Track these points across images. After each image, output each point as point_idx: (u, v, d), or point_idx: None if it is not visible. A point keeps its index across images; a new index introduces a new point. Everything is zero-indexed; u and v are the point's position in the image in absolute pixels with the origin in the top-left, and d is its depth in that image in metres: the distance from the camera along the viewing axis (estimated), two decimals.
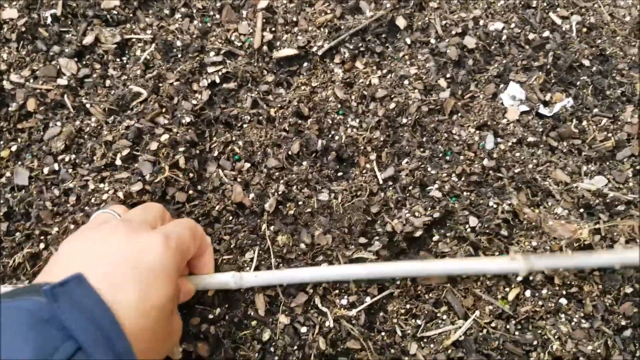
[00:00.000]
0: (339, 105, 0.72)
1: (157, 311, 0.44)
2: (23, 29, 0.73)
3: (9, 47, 0.73)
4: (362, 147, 0.69)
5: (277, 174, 0.67)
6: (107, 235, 0.47)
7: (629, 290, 0.63)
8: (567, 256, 0.61)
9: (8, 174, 0.65)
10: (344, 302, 0.60)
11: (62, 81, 0.70)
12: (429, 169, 0.69)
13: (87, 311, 0.39)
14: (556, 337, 0.60)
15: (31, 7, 0.74)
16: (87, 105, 0.69)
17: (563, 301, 0.62)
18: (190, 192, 0.64)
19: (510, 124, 0.73)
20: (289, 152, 0.68)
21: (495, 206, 0.66)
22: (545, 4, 0.82)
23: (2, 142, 0.67)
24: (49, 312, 0.38)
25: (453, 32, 0.78)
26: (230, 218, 0.64)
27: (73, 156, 0.66)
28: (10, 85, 0.70)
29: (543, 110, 0.74)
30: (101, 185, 0.63)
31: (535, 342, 0.60)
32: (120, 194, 0.62)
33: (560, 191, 0.69)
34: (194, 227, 0.54)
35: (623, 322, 0.62)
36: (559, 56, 0.78)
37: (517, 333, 0.60)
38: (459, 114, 0.73)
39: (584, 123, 0.74)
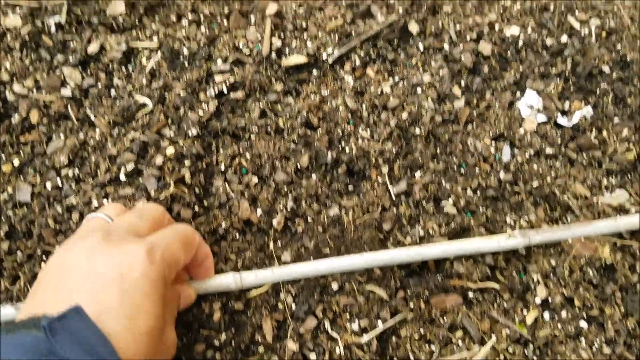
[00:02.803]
0: (350, 115, 0.70)
1: (147, 336, 0.43)
2: (27, 37, 0.71)
3: (12, 56, 0.71)
4: (373, 160, 0.67)
5: (285, 188, 0.65)
6: (90, 253, 0.46)
7: None
8: (564, 227, 0.61)
9: (10, 189, 0.63)
10: (355, 326, 0.58)
11: (66, 91, 0.69)
12: (443, 182, 0.66)
13: (86, 344, 0.39)
14: None
15: (35, 14, 0.73)
16: (92, 117, 0.68)
17: (583, 324, 0.59)
18: (196, 208, 0.62)
19: (528, 134, 0.70)
20: (298, 165, 0.66)
21: (512, 223, 0.64)
22: (562, 8, 0.79)
23: (4, 156, 0.65)
24: (48, 347, 0.38)
25: (467, 38, 0.76)
26: (237, 236, 0.62)
27: (76, 170, 0.64)
28: (13, 96, 0.68)
29: (561, 119, 0.71)
30: (105, 202, 0.62)
31: None
32: None
33: (579, 206, 0.66)
34: (189, 234, 0.53)
35: None
36: (578, 62, 0.75)
37: (535, 359, 0.58)
38: (474, 124, 0.71)
39: (604, 133, 0.71)
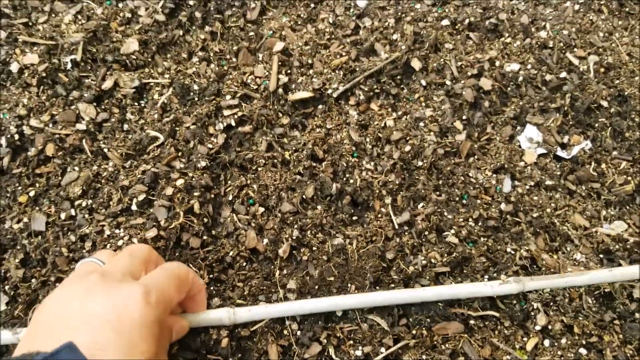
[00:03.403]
0: (354, 148, 0.72)
1: None
2: (43, 74, 0.74)
3: (30, 92, 0.74)
4: (377, 191, 0.69)
5: (291, 218, 0.67)
6: (88, 293, 0.47)
7: None
8: (559, 276, 0.62)
9: (25, 219, 0.66)
10: (359, 353, 0.59)
11: (81, 126, 0.71)
12: (445, 213, 0.68)
13: None
14: None
15: (52, 52, 0.76)
16: (105, 150, 0.70)
17: (583, 351, 0.60)
18: (205, 237, 0.64)
19: (528, 166, 0.72)
20: (304, 196, 0.68)
21: (513, 252, 0.65)
22: (562, 45, 0.82)
23: (20, 187, 0.67)
24: None
25: (469, 74, 0.78)
26: (244, 264, 0.64)
27: (90, 201, 0.66)
28: (30, 130, 0.71)
29: (561, 152, 0.73)
30: (117, 231, 0.64)
31: None
32: (135, 240, 0.62)
33: (579, 236, 0.67)
34: (182, 273, 0.54)
35: None
36: (577, 97, 0.77)
37: None
38: (476, 157, 0.73)
39: (603, 166, 0.73)
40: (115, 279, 0.49)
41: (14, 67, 0.75)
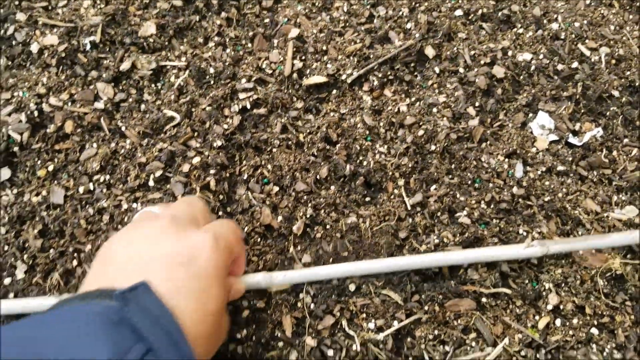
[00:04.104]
0: (367, 132, 0.73)
1: (212, 317, 0.45)
2: (63, 55, 0.75)
3: (49, 71, 0.75)
4: (390, 173, 0.70)
5: (305, 197, 0.67)
6: (158, 235, 0.47)
7: None
8: (581, 238, 0.63)
9: (44, 192, 0.67)
10: (372, 325, 0.59)
11: (99, 105, 0.72)
12: (458, 195, 0.69)
13: (155, 317, 0.40)
14: None
15: (71, 34, 0.77)
16: (123, 128, 0.71)
17: (594, 331, 0.61)
18: (220, 213, 0.65)
19: (540, 152, 0.73)
20: (317, 177, 0.69)
21: (524, 234, 0.66)
22: (573, 36, 0.83)
23: (39, 162, 0.69)
24: (120, 315, 0.39)
25: (482, 62, 0.79)
26: (259, 240, 0.65)
27: (108, 177, 0.67)
28: (49, 107, 0.72)
29: (572, 139, 0.74)
30: (134, 205, 0.65)
31: None
32: None
33: (590, 220, 0.68)
34: (238, 230, 0.55)
35: None
36: (588, 86, 0.78)
37: None
38: (488, 142, 0.73)
39: (614, 153, 0.74)
40: (184, 225, 0.49)
41: (34, 48, 0.76)
